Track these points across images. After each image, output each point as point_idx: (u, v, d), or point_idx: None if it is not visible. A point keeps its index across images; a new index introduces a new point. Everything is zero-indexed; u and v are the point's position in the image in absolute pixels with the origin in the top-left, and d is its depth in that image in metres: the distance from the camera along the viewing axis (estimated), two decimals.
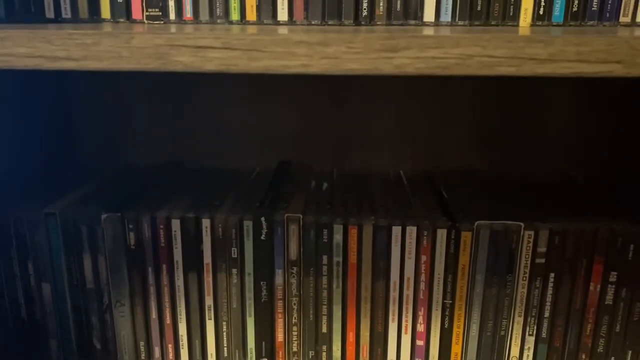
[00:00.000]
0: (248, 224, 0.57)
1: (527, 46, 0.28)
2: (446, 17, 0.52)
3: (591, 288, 0.58)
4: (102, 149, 0.74)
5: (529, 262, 0.57)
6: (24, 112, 0.66)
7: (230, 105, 0.74)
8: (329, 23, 0.52)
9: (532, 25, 0.52)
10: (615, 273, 0.57)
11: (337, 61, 0.29)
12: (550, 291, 0.58)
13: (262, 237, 0.58)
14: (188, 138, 0.75)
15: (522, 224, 0.56)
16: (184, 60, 0.30)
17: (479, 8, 0.51)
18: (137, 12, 0.53)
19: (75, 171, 0.72)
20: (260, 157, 0.75)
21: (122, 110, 0.73)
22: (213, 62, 0.30)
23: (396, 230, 0.57)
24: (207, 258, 0.59)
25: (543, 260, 0.57)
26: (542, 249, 0.57)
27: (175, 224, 0.58)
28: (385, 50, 0.29)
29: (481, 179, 0.72)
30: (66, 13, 0.53)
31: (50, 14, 0.54)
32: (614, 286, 0.57)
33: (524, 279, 0.57)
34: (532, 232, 0.56)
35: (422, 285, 0.58)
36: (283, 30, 0.39)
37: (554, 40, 0.28)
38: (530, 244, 0.56)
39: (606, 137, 0.71)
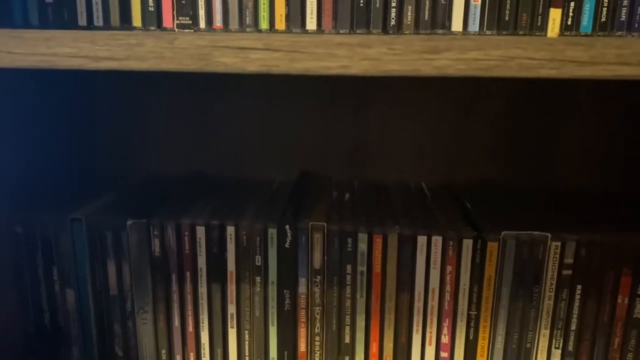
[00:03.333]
0: (272, 232, 0.58)
1: (567, 49, 0.28)
2: (474, 26, 0.52)
3: (619, 301, 0.57)
4: (126, 157, 0.74)
5: (555, 274, 0.56)
6: (49, 120, 0.67)
7: (251, 114, 0.74)
8: (357, 32, 0.52)
9: (560, 35, 0.52)
10: None
11: (377, 62, 0.29)
12: (577, 304, 0.57)
13: (286, 246, 0.58)
14: (210, 147, 0.75)
15: (549, 234, 0.55)
16: (226, 61, 0.30)
17: (506, 18, 0.51)
18: (167, 20, 0.54)
19: (100, 179, 0.73)
20: (281, 166, 0.75)
21: (146, 119, 0.74)
22: (255, 63, 0.30)
23: (421, 240, 0.57)
24: (231, 266, 0.59)
25: (570, 272, 0.56)
26: (569, 260, 0.56)
27: (200, 232, 0.58)
28: (425, 52, 0.29)
29: (503, 190, 0.71)
30: (98, 21, 0.54)
31: (82, 21, 0.54)
32: None
33: (551, 290, 0.57)
34: (559, 243, 0.56)
35: (447, 296, 0.58)
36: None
37: (594, 43, 0.28)
38: (557, 255, 0.56)
39: (630, 147, 0.71)
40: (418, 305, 0.58)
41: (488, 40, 0.29)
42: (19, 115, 0.60)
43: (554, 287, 0.57)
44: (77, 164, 0.74)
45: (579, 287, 0.57)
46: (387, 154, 0.75)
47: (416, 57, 0.29)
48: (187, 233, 0.58)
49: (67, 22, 0.54)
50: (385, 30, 0.52)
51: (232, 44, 0.30)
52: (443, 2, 0.51)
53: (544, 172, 0.73)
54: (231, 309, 0.60)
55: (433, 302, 0.58)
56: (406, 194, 0.71)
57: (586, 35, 0.52)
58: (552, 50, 0.29)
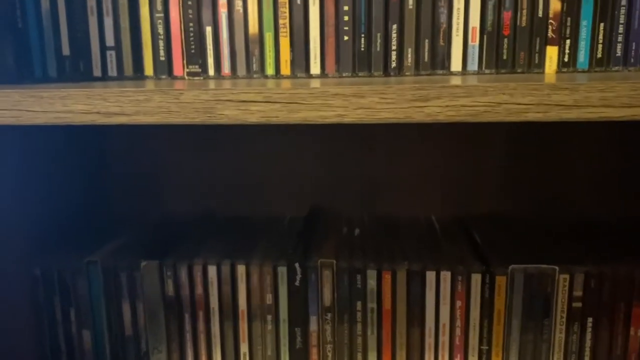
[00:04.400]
0: (282, 270, 0.59)
1: (553, 93, 0.30)
2: (473, 66, 0.53)
3: (631, 333, 0.56)
4: (140, 198, 0.76)
5: (565, 307, 0.56)
6: (65, 165, 0.69)
7: (261, 152, 0.76)
8: (360, 75, 0.54)
9: (558, 72, 0.53)
10: None
11: (371, 111, 0.31)
12: (588, 336, 0.57)
13: (296, 283, 0.59)
14: (221, 186, 0.77)
15: (556, 267, 0.56)
16: (228, 114, 0.32)
17: (504, 57, 0.53)
18: (178, 68, 0.56)
19: (116, 220, 0.75)
20: (292, 203, 0.76)
21: (157, 162, 0.76)
22: (255, 114, 0.32)
23: (430, 276, 0.57)
24: (243, 305, 0.60)
25: (580, 305, 0.56)
26: (578, 292, 0.56)
27: (212, 271, 0.59)
28: (416, 100, 0.30)
29: (513, 224, 0.72)
30: (112, 71, 0.57)
31: (97, 72, 0.57)
32: None
33: (561, 323, 0.57)
34: (567, 276, 0.56)
35: (458, 331, 0.58)
36: (316, 84, 0.41)
37: (578, 87, 0.30)
38: (566, 288, 0.56)
39: (637, 178, 0.71)
40: (429, 340, 0.58)
41: (476, 88, 0.30)
42: (38, 160, 0.63)
43: (564, 319, 0.57)
44: (93, 205, 0.76)
45: (590, 319, 0.57)
46: (396, 189, 0.76)
47: (408, 105, 0.30)
48: (199, 273, 0.59)
49: (83, 73, 0.57)
50: (386, 72, 0.54)
51: (234, 98, 0.32)
52: (442, 43, 0.53)
53: (554, 204, 0.74)
54: (244, 347, 0.61)
55: (444, 338, 0.58)
56: (416, 228, 0.71)
57: (583, 72, 0.53)
58: (538, 95, 0.30)
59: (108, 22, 0.56)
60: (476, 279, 0.57)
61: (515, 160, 0.73)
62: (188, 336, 0.61)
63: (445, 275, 0.57)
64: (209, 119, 0.32)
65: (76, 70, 0.57)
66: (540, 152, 0.73)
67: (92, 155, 0.75)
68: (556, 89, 0.30)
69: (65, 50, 0.57)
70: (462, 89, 0.30)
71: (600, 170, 0.72)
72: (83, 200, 0.74)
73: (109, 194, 0.76)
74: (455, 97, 0.30)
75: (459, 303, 0.57)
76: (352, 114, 0.31)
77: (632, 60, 0.52)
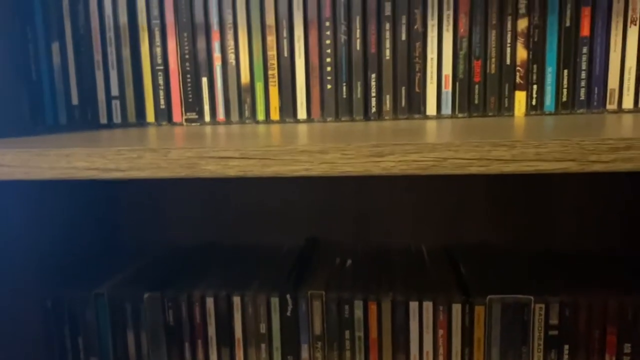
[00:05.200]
0: (275, 301, 0.62)
1: (493, 149, 0.34)
2: (447, 110, 0.58)
3: (606, 359, 0.59)
4: (143, 232, 0.81)
5: (542, 335, 0.59)
6: (74, 202, 0.74)
7: (259, 185, 0.80)
8: (342, 119, 0.59)
9: (527, 114, 0.57)
10: (630, 345, 0.59)
11: (333, 165, 0.35)
12: None
13: (288, 314, 0.62)
14: (220, 219, 0.81)
15: (532, 297, 0.59)
16: (210, 169, 0.36)
17: (476, 101, 0.57)
18: (177, 115, 0.61)
19: (120, 253, 0.79)
20: (289, 234, 0.81)
21: (158, 197, 0.81)
22: (233, 169, 0.36)
23: (413, 306, 0.61)
24: (238, 333, 0.64)
25: (556, 333, 0.59)
26: (554, 321, 0.59)
27: (209, 302, 0.63)
28: (373, 156, 0.35)
29: (497, 254, 0.75)
30: (117, 119, 0.62)
31: (104, 119, 0.62)
32: (629, 358, 0.59)
33: (539, 350, 0.60)
34: (543, 305, 0.59)
35: (441, 359, 0.61)
36: (302, 130, 0.46)
37: (515, 144, 0.34)
38: (542, 317, 0.59)
39: (620, 210, 0.74)
40: None
41: (425, 145, 0.34)
42: (48, 198, 0.68)
43: (542, 347, 0.60)
44: (101, 239, 0.81)
45: (567, 346, 0.59)
46: (389, 220, 0.80)
47: (365, 160, 0.35)
48: (197, 304, 0.63)
49: (91, 120, 0.63)
50: (367, 116, 0.58)
51: (214, 155, 0.36)
52: (417, 90, 0.58)
53: (536, 235, 0.77)
54: None
55: None
56: (406, 258, 0.75)
57: (550, 114, 0.57)
58: (479, 151, 0.34)
59: (113, 74, 0.61)
60: (457, 308, 0.60)
61: (500, 193, 0.77)
62: None
63: (428, 305, 0.60)
64: (193, 173, 0.37)
65: (84, 118, 0.63)
66: (525, 185, 0.77)
67: (100, 192, 0.81)
68: (496, 146, 0.34)
69: (75, 100, 0.62)
70: (413, 146, 0.34)
71: (580, 203, 0.75)
72: (92, 234, 0.79)
73: (115, 228, 0.81)
74: (406, 153, 0.34)
75: (441, 332, 0.61)
76: (317, 168, 0.35)
77: (595, 103, 0.56)
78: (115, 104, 0.62)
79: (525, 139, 0.34)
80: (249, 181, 0.81)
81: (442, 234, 0.79)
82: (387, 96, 0.58)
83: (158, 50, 0.60)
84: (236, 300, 0.63)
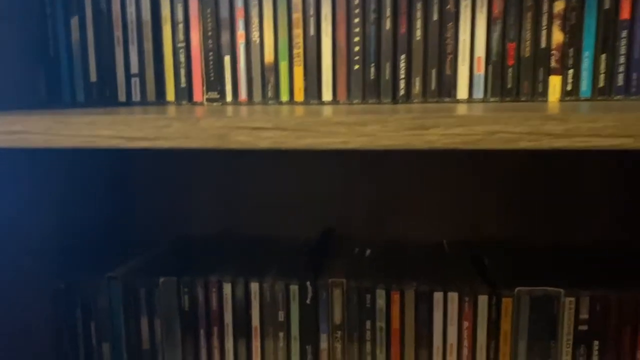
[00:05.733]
0: (294, 289, 0.61)
1: (544, 123, 0.32)
2: (478, 94, 0.56)
3: (638, 357, 0.57)
4: (159, 218, 0.79)
5: (571, 329, 0.57)
6: (89, 185, 0.73)
7: (275, 175, 0.78)
8: (369, 102, 0.57)
9: (561, 100, 0.55)
10: None
11: (373, 138, 0.33)
12: (595, 359, 0.57)
13: (308, 302, 0.60)
14: (237, 208, 0.79)
15: (562, 290, 0.57)
16: (241, 140, 0.34)
17: (509, 85, 0.55)
18: (198, 95, 0.60)
19: (135, 238, 0.78)
20: (305, 224, 0.79)
21: (177, 183, 0.79)
22: (266, 140, 0.34)
23: (438, 296, 0.59)
24: (256, 321, 0.62)
25: (586, 327, 0.57)
26: (584, 315, 0.57)
27: (227, 288, 0.62)
28: (416, 128, 0.33)
29: (521, 248, 0.73)
30: (136, 97, 0.60)
31: (122, 97, 0.61)
32: None
33: (568, 346, 0.57)
34: (573, 299, 0.57)
35: (465, 351, 0.59)
36: (327, 111, 0.44)
37: (568, 118, 0.32)
38: (572, 311, 0.57)
39: None
40: None
41: (471, 118, 0.32)
42: (64, 179, 0.66)
43: (570, 342, 0.57)
44: (116, 223, 0.79)
45: (596, 342, 0.57)
46: (408, 213, 0.78)
47: (407, 133, 0.33)
48: (214, 290, 0.62)
49: (109, 98, 0.61)
50: (395, 99, 0.56)
51: (246, 125, 0.34)
52: (448, 72, 0.56)
53: (562, 230, 0.75)
54: None
55: (451, 358, 0.59)
56: (425, 250, 0.73)
57: (586, 100, 0.55)
58: (530, 125, 0.32)
59: (133, 51, 0.59)
60: (483, 300, 0.58)
61: (524, 186, 0.75)
62: (203, 351, 0.63)
63: (453, 296, 0.58)
64: (223, 144, 0.35)
65: (102, 95, 0.61)
66: (549, 178, 0.74)
67: (115, 175, 0.79)
68: (548, 119, 0.32)
69: (93, 77, 0.60)
70: (458, 118, 0.32)
71: (610, 196, 0.73)
72: (107, 219, 0.77)
73: (130, 213, 0.80)
74: (451, 126, 0.32)
75: (466, 324, 0.59)
76: (355, 141, 0.33)
77: (633, 89, 0.54)
78: (135, 81, 0.60)
79: (579, 113, 0.32)
80: (266, 170, 0.79)
81: (462, 227, 0.77)
82: (417, 78, 0.56)
83: (180, 27, 0.58)
84: (254, 286, 0.61)
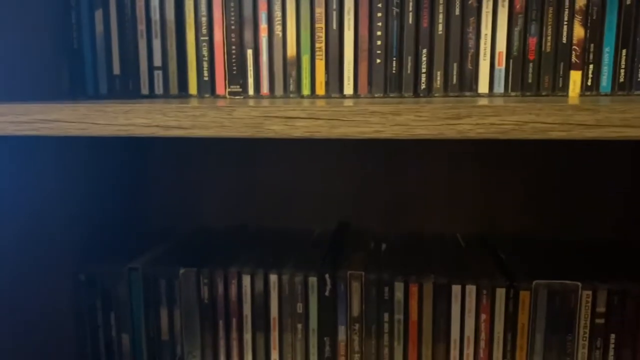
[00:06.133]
0: (313, 281, 0.61)
1: (576, 114, 0.32)
2: (499, 88, 0.56)
3: None
4: (178, 211, 0.80)
5: (588, 322, 0.58)
6: (110, 177, 0.73)
7: (292, 169, 0.79)
8: (391, 96, 0.57)
9: (581, 95, 0.55)
10: None
11: (407, 127, 0.34)
12: (611, 352, 0.58)
13: (326, 294, 0.61)
14: (254, 201, 0.80)
15: (579, 283, 0.57)
16: (275, 129, 0.35)
17: (530, 80, 0.56)
18: (220, 88, 0.60)
19: (156, 230, 0.78)
20: (320, 218, 0.79)
21: (196, 176, 0.80)
22: (300, 129, 0.35)
23: (456, 289, 0.59)
24: (274, 313, 0.62)
25: (603, 321, 0.58)
26: (601, 309, 0.57)
27: (246, 280, 0.62)
28: (449, 118, 0.33)
29: (537, 242, 0.73)
30: (159, 90, 0.61)
31: (145, 90, 0.61)
32: None
33: (584, 339, 0.58)
34: (590, 292, 0.57)
35: (482, 344, 0.60)
36: (350, 104, 0.44)
37: (600, 108, 0.32)
38: (589, 304, 0.57)
39: None
40: (454, 353, 0.60)
41: (505, 108, 0.33)
42: (85, 172, 0.67)
43: (587, 335, 0.58)
44: (136, 216, 0.80)
45: (613, 335, 0.58)
46: (423, 206, 0.79)
47: (440, 123, 0.33)
48: (233, 281, 0.62)
49: (132, 91, 0.61)
50: (416, 93, 0.57)
51: (280, 114, 0.35)
52: (470, 67, 0.56)
53: (579, 223, 0.75)
54: (274, 355, 0.63)
55: (469, 350, 0.60)
56: (441, 244, 0.73)
57: (606, 95, 0.55)
58: (562, 115, 0.32)
59: (156, 44, 0.60)
60: (500, 293, 0.59)
61: (540, 180, 0.75)
62: (222, 342, 0.63)
63: (471, 289, 0.59)
64: (257, 133, 0.35)
65: (125, 88, 0.61)
66: (566, 172, 0.75)
67: (135, 169, 0.80)
68: (579, 110, 0.32)
69: (116, 70, 0.61)
70: (492, 108, 0.33)
71: (628, 190, 0.74)
72: (126, 211, 0.78)
73: (150, 205, 0.80)
74: (485, 116, 0.33)
75: (483, 316, 0.59)
76: (389, 130, 0.34)
77: None
78: (158, 74, 0.61)
79: (611, 104, 0.32)
80: (283, 163, 0.79)
81: (477, 221, 0.78)
82: (438, 72, 0.56)
83: (203, 20, 0.59)
84: (273, 278, 0.62)
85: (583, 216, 0.75)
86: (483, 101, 0.46)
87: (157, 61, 0.60)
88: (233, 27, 0.58)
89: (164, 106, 0.36)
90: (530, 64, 0.55)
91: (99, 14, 0.60)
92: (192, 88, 0.61)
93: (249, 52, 0.59)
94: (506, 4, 0.54)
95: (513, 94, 0.56)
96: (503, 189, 0.76)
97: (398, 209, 0.79)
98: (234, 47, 0.59)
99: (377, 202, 0.79)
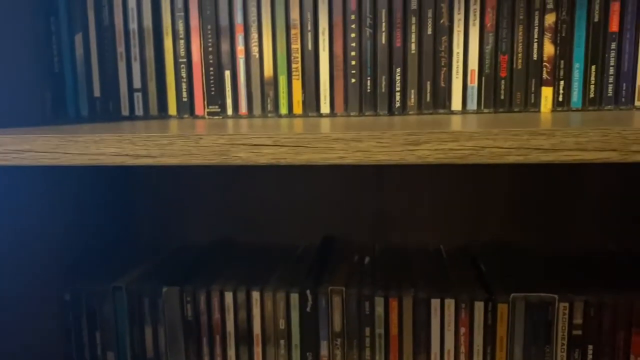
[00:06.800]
0: (294, 297, 0.62)
1: (532, 138, 0.33)
2: (472, 105, 0.57)
3: None
4: (160, 228, 0.81)
5: (565, 334, 0.58)
6: (93, 196, 0.74)
7: (276, 184, 0.80)
8: (366, 114, 0.58)
9: (553, 110, 0.56)
10: None
11: (368, 154, 0.35)
12: None
13: (308, 310, 0.62)
14: (238, 216, 0.81)
15: (556, 296, 0.58)
16: (242, 156, 0.36)
17: (502, 97, 0.57)
18: (199, 108, 0.61)
19: (139, 248, 0.79)
20: (305, 232, 0.80)
21: (179, 192, 0.81)
22: (266, 156, 0.36)
23: (435, 303, 0.60)
24: (257, 329, 0.63)
25: (580, 332, 0.58)
26: (578, 320, 0.58)
27: (228, 297, 0.63)
28: (409, 144, 0.34)
29: (518, 253, 0.74)
30: (139, 111, 0.62)
31: (125, 112, 0.62)
32: None
33: (562, 350, 0.59)
34: (567, 304, 0.58)
35: (462, 357, 0.60)
36: (325, 126, 0.45)
37: (554, 133, 0.33)
38: (566, 316, 0.58)
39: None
40: None
41: (462, 133, 0.34)
42: (69, 191, 0.67)
43: (565, 347, 0.59)
44: (119, 234, 0.81)
45: (591, 347, 0.59)
46: (406, 219, 0.80)
47: (401, 149, 0.34)
48: (216, 299, 0.63)
49: (112, 113, 0.62)
50: (391, 111, 0.58)
51: (246, 142, 0.36)
52: (443, 84, 0.57)
53: (558, 234, 0.76)
54: None
55: None
56: (424, 257, 0.74)
57: (577, 110, 0.56)
58: (518, 140, 0.33)
59: (136, 66, 0.61)
60: (479, 306, 0.59)
61: (520, 192, 0.76)
62: (206, 359, 0.64)
63: (450, 303, 0.60)
64: (224, 160, 0.36)
65: (106, 110, 0.62)
66: (544, 184, 0.76)
67: (118, 187, 0.80)
68: (535, 134, 0.33)
69: (97, 92, 0.62)
70: (449, 134, 0.34)
71: (603, 201, 0.75)
72: (110, 229, 0.78)
73: (135, 223, 0.81)
74: (443, 142, 0.34)
75: (462, 330, 0.60)
76: (352, 157, 0.35)
77: (622, 99, 0.55)
78: (138, 96, 0.61)
79: (565, 128, 0.33)
80: (267, 179, 0.80)
81: (461, 233, 0.79)
82: (412, 91, 0.57)
83: (181, 42, 0.60)
84: (255, 295, 0.62)
85: (564, 227, 0.76)
86: (454, 120, 0.47)
87: (137, 83, 0.61)
88: (210, 48, 0.59)
89: (133, 135, 0.37)
90: (502, 81, 0.56)
91: (78, 38, 0.61)
92: (172, 109, 0.61)
93: (227, 73, 0.60)
94: (477, 22, 0.55)
95: (486, 110, 0.57)
96: (486, 201, 0.77)
97: (383, 221, 0.80)
98: (211, 69, 0.60)
99: (362, 216, 0.80)
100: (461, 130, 0.34)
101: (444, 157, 0.34)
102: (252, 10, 0.58)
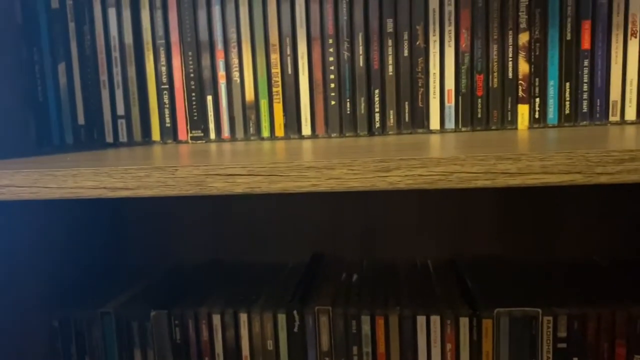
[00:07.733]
0: (282, 317, 0.62)
1: (498, 163, 0.34)
2: (450, 124, 0.58)
3: None
4: (149, 250, 0.81)
5: (550, 347, 0.59)
6: (81, 221, 0.75)
7: (264, 203, 0.80)
8: (347, 135, 0.59)
9: (530, 127, 0.57)
10: (639, 356, 0.58)
11: (340, 181, 0.35)
12: None
13: (295, 330, 0.62)
14: (226, 235, 0.81)
15: (539, 310, 0.59)
16: (217, 186, 0.37)
17: (479, 115, 0.58)
18: (182, 133, 0.62)
19: (127, 270, 0.79)
20: (294, 250, 0.80)
21: (165, 215, 0.81)
22: (241, 186, 0.36)
23: (421, 320, 0.61)
24: (245, 351, 0.63)
25: (565, 345, 0.59)
26: (562, 334, 0.59)
27: (216, 319, 0.63)
28: (379, 171, 0.35)
29: (505, 266, 0.75)
30: (123, 138, 0.63)
31: (109, 139, 0.63)
32: None
33: None
34: (551, 318, 0.59)
35: None
36: (305, 147, 0.46)
37: (520, 157, 0.34)
38: (550, 330, 0.59)
39: (627, 220, 0.74)
40: None
41: (430, 160, 0.34)
42: (56, 217, 0.68)
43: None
44: (109, 258, 0.81)
45: (576, 359, 0.59)
46: (394, 235, 0.80)
47: (372, 176, 0.35)
48: (204, 321, 0.63)
49: (97, 140, 0.63)
50: (371, 132, 0.59)
51: (221, 172, 0.36)
52: (420, 105, 0.58)
53: (545, 247, 0.77)
54: None
55: None
56: (412, 272, 0.75)
57: (553, 127, 0.57)
58: (485, 165, 0.34)
59: (119, 93, 0.62)
60: (464, 322, 0.60)
61: (505, 205, 0.77)
62: None
63: (435, 319, 0.60)
64: (200, 191, 0.37)
65: (90, 137, 0.63)
66: (529, 199, 0.77)
67: (106, 212, 0.81)
68: (501, 159, 0.34)
69: (81, 120, 0.63)
70: (418, 160, 0.34)
71: (588, 213, 0.75)
72: (96, 254, 0.79)
73: (120, 247, 0.81)
74: (412, 168, 0.34)
75: (449, 346, 0.60)
76: (325, 184, 0.35)
77: (597, 115, 0.56)
78: (121, 123, 0.62)
79: (531, 152, 0.34)
80: (254, 197, 0.81)
81: (448, 247, 0.79)
82: (391, 111, 0.58)
83: (163, 69, 0.61)
84: (243, 317, 0.63)
85: (549, 240, 0.76)
86: (433, 139, 0.48)
87: (120, 110, 0.62)
88: (192, 74, 0.60)
89: (110, 168, 0.38)
90: (479, 100, 0.57)
91: (62, 67, 0.62)
92: (155, 135, 0.62)
93: (209, 98, 0.60)
94: (452, 43, 0.57)
95: (464, 129, 0.58)
96: (473, 215, 0.78)
97: (371, 238, 0.81)
98: (193, 94, 0.61)
99: (351, 233, 0.81)
100: (430, 157, 0.34)
101: (414, 182, 0.35)
102: (232, 37, 0.59)
